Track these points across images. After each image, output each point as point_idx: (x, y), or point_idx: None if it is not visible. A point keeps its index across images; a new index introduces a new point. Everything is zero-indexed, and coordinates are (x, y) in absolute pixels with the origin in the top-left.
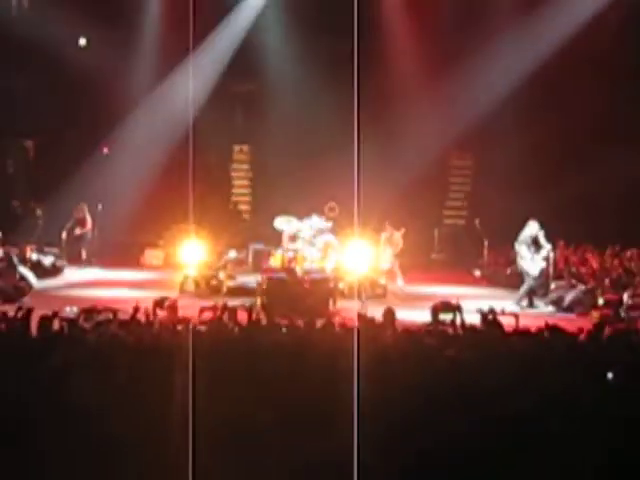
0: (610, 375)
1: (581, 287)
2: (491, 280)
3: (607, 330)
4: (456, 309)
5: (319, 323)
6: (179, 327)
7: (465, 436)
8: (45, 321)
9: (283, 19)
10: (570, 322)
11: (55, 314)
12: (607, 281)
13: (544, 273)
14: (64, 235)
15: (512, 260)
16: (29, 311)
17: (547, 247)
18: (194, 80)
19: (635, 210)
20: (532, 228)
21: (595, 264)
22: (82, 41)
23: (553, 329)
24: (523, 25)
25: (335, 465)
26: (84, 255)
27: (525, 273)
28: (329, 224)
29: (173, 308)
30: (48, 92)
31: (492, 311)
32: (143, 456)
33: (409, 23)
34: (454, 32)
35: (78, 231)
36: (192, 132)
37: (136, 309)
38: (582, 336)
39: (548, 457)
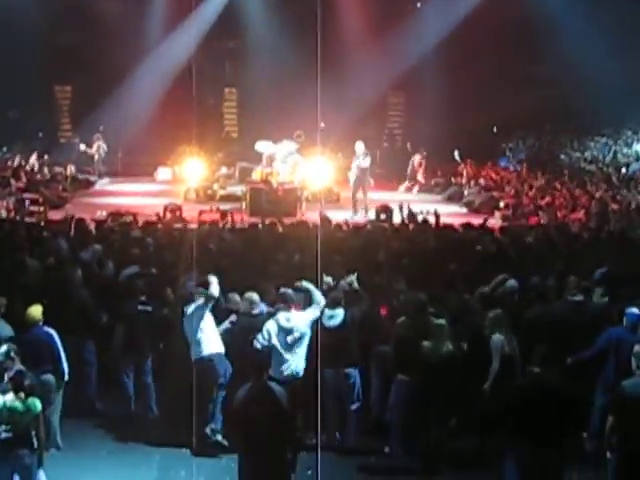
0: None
1: (487, 193)
2: (419, 189)
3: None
4: (391, 210)
5: (289, 221)
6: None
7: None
8: (81, 222)
9: None
10: (478, 219)
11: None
12: (507, 189)
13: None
14: (95, 157)
15: (435, 173)
16: (72, 217)
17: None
18: (192, 37)
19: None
20: None
21: (497, 177)
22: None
23: (465, 224)
24: None
25: None
26: (102, 170)
27: None
28: (297, 146)
29: (174, 210)
30: (82, 47)
31: (421, 212)
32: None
33: None
34: None
35: (95, 154)
36: (194, 77)
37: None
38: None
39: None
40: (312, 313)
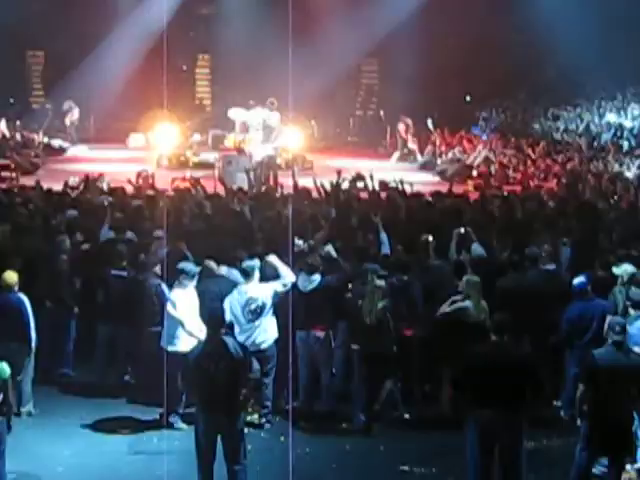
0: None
1: (460, 162)
2: (391, 156)
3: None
4: (365, 178)
5: (263, 188)
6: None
7: None
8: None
9: None
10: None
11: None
12: (476, 160)
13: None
14: (67, 122)
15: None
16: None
17: None
18: (165, 2)
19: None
20: None
21: (471, 146)
22: None
23: (437, 192)
24: None
25: None
26: (75, 137)
27: None
28: (276, 113)
29: (147, 177)
30: (55, 13)
31: (395, 180)
32: None
33: None
34: None
35: (67, 120)
36: (166, 43)
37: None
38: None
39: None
40: (275, 286)
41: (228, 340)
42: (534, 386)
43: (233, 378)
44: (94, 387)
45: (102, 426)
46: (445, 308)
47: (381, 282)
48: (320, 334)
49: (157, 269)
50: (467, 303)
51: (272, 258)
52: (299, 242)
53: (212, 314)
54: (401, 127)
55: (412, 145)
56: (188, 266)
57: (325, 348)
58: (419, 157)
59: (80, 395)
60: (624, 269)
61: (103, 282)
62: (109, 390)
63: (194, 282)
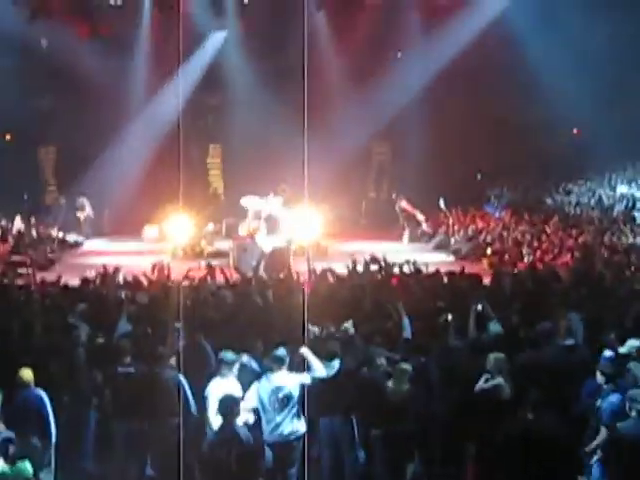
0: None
1: (474, 241)
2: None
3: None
4: (381, 261)
5: (281, 275)
6: (170, 284)
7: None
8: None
9: (241, 46)
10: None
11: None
12: (490, 238)
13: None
14: (80, 217)
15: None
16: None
17: None
18: (176, 95)
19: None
20: None
21: (482, 225)
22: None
23: (452, 272)
24: (426, 43)
25: None
26: (88, 232)
27: None
28: (282, 200)
29: (161, 269)
30: (66, 109)
31: (408, 262)
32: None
33: (336, 44)
34: (372, 49)
35: (81, 216)
36: (180, 135)
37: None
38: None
39: None
40: (304, 378)
41: (240, 429)
42: (572, 464)
43: (245, 467)
44: None
45: None
46: (482, 385)
47: (407, 365)
48: (344, 419)
49: (172, 361)
50: (500, 380)
51: (304, 350)
52: (314, 329)
53: (225, 402)
54: (404, 204)
55: (420, 216)
56: (227, 355)
57: (349, 432)
58: (424, 226)
59: None
60: (630, 345)
61: (110, 379)
62: None
63: (234, 371)
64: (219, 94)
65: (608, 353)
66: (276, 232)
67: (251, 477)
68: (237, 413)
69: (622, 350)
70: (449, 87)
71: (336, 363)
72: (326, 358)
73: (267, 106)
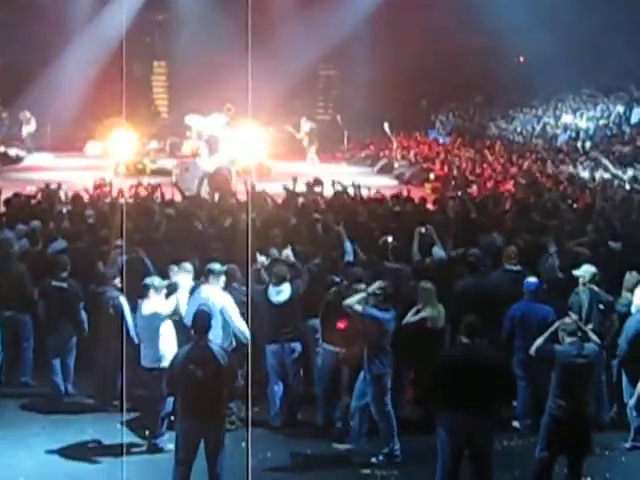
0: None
1: (417, 166)
2: (349, 161)
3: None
4: (323, 183)
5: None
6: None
7: None
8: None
9: None
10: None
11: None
12: (437, 162)
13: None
14: (23, 132)
15: (365, 145)
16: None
17: None
18: (122, 11)
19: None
20: None
21: (426, 150)
22: None
23: (396, 196)
24: None
25: None
26: (32, 146)
27: None
28: (227, 120)
29: (104, 185)
30: (9, 23)
31: (354, 185)
32: None
33: None
34: None
35: (24, 130)
36: (124, 51)
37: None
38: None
39: None
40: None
41: (214, 346)
42: (506, 387)
43: (219, 384)
44: (54, 396)
45: (64, 436)
46: (409, 318)
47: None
48: (295, 345)
49: (117, 281)
50: (430, 311)
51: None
52: (262, 258)
53: (198, 319)
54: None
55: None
56: (214, 265)
57: (297, 358)
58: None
59: (41, 404)
60: (585, 270)
61: (46, 293)
62: (70, 402)
63: (221, 282)
64: (166, 10)
65: (532, 279)
66: (218, 152)
67: (224, 393)
68: (209, 329)
69: (577, 273)
70: (398, 9)
71: (285, 286)
72: (274, 283)
73: (214, 24)
